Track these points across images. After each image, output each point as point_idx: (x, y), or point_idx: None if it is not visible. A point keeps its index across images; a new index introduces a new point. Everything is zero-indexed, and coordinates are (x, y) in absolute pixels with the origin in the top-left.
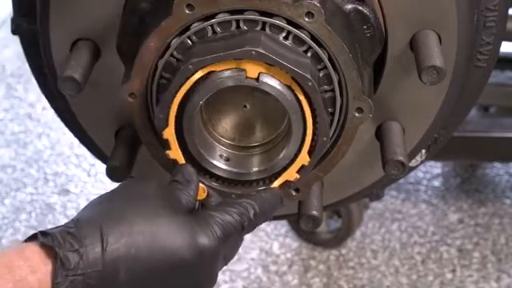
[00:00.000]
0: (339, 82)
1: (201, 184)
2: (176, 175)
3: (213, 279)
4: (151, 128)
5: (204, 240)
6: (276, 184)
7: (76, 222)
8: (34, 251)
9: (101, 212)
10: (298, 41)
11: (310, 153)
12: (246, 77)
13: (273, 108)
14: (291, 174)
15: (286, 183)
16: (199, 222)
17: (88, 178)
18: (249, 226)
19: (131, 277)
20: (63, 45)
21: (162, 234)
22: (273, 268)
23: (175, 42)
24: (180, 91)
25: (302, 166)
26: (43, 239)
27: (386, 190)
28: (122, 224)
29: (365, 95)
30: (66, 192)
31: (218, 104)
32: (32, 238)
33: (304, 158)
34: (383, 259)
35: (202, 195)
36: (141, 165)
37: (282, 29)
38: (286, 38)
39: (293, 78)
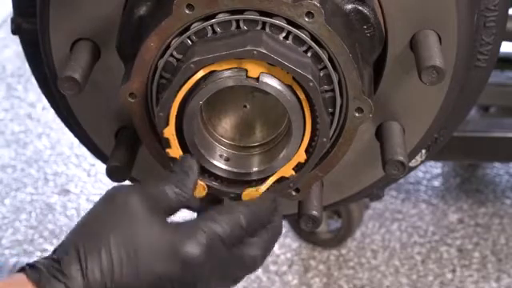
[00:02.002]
0: (339, 82)
1: (201, 182)
2: (174, 166)
3: None
4: (151, 128)
5: (187, 248)
6: (271, 180)
7: (58, 249)
8: (24, 284)
9: (79, 234)
10: (298, 41)
11: (307, 150)
12: (247, 77)
13: (273, 108)
14: (287, 171)
15: (283, 181)
16: (183, 230)
17: (88, 178)
18: (238, 238)
19: None
20: (63, 45)
21: (142, 249)
22: (273, 268)
23: (175, 42)
24: (181, 90)
25: (299, 164)
26: (31, 274)
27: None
28: (99, 246)
29: (365, 95)
30: (66, 192)
31: (218, 104)
32: (21, 270)
33: (301, 156)
34: (383, 259)
35: (202, 193)
36: (141, 165)
37: (281, 29)
38: (285, 38)
39: (294, 78)
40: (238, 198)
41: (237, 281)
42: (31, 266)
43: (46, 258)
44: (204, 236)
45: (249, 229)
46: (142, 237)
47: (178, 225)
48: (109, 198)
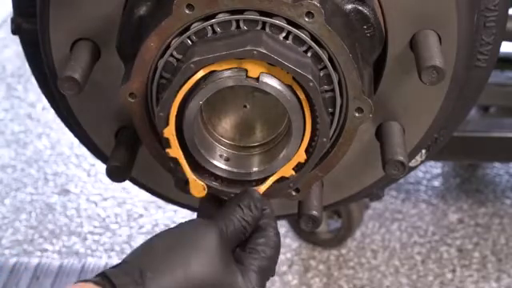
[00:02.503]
0: (339, 82)
1: (201, 182)
2: (242, 199)
3: None
4: (151, 128)
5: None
6: (271, 180)
7: (121, 265)
8: None
9: (146, 256)
10: (298, 41)
11: (307, 150)
12: (247, 77)
13: (273, 108)
14: (287, 171)
15: (283, 181)
16: (238, 269)
17: (88, 178)
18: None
19: None
20: (63, 45)
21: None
22: None
23: (175, 42)
24: (181, 91)
25: (299, 164)
26: (105, 284)
27: (386, 190)
28: (166, 274)
29: (365, 95)
30: (66, 192)
31: (218, 104)
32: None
33: (301, 155)
34: (383, 259)
35: (202, 193)
36: (141, 165)
37: (281, 29)
38: (285, 38)
39: (294, 78)
40: None
41: None
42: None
43: (116, 267)
44: (254, 273)
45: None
46: (206, 275)
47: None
48: (186, 228)
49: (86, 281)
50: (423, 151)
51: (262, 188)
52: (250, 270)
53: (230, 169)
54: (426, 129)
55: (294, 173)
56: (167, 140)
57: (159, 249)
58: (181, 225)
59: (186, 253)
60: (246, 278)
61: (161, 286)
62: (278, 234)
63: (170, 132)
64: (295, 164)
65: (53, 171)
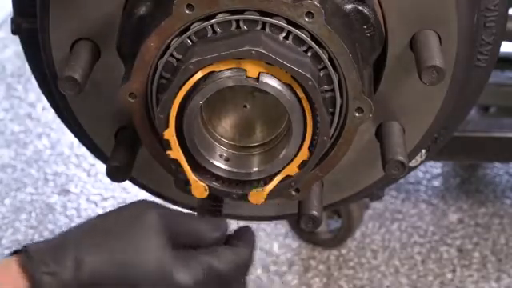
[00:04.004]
0: (339, 82)
1: (201, 183)
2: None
3: None
4: (151, 128)
5: (180, 276)
6: (277, 180)
7: (57, 239)
8: (17, 269)
9: (83, 229)
10: (298, 41)
11: (310, 148)
12: (246, 77)
13: (273, 108)
14: (292, 170)
15: (284, 180)
16: (182, 258)
17: (88, 178)
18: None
19: None
20: (63, 45)
21: (137, 265)
22: (273, 268)
23: (175, 42)
24: (180, 91)
25: (303, 161)
26: (22, 258)
27: (386, 190)
28: (100, 246)
29: (365, 95)
30: (66, 192)
31: (218, 104)
32: (17, 252)
33: (304, 154)
34: (383, 259)
35: (203, 194)
36: (141, 165)
37: (281, 29)
38: (286, 37)
39: (293, 78)
40: (244, 198)
41: None
42: (24, 249)
43: (42, 241)
44: (201, 269)
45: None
46: (141, 253)
47: (178, 252)
48: (129, 206)
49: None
50: (423, 151)
51: (268, 188)
52: (196, 261)
53: (229, 169)
54: (426, 129)
55: (298, 171)
56: (168, 142)
57: (90, 228)
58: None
59: (120, 229)
60: (185, 269)
61: (96, 260)
62: (250, 257)
63: (170, 134)
64: (300, 162)
65: (53, 171)
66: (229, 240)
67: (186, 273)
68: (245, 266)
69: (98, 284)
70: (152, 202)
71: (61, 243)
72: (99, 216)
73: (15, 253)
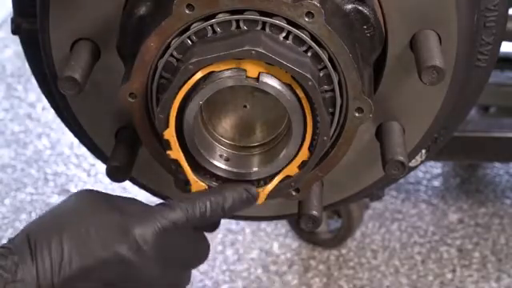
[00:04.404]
0: (339, 82)
1: (202, 183)
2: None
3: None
4: (151, 128)
5: (138, 230)
6: (277, 180)
7: (12, 239)
8: None
9: (34, 224)
10: (298, 41)
11: (310, 148)
12: (246, 77)
13: (273, 108)
14: (292, 170)
15: (285, 180)
16: (137, 215)
17: (88, 178)
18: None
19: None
20: (63, 45)
21: (91, 234)
22: (273, 268)
23: (175, 42)
24: (180, 92)
25: (303, 162)
26: None
27: (386, 190)
28: (51, 236)
29: (365, 95)
30: (66, 192)
31: (218, 104)
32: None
33: (305, 154)
34: (383, 259)
35: None
36: (141, 165)
37: (282, 29)
38: (286, 37)
39: (293, 78)
40: None
41: (191, 268)
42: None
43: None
44: (157, 222)
45: (207, 219)
46: (92, 224)
47: (131, 211)
48: (72, 196)
49: None
50: (423, 151)
51: (269, 188)
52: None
53: (230, 169)
54: (426, 129)
55: (298, 170)
56: (168, 142)
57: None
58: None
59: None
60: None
61: (52, 250)
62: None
63: (170, 134)
64: (300, 163)
65: (53, 171)
66: None
67: (144, 227)
68: (208, 213)
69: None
70: (92, 190)
71: (14, 244)
72: (47, 211)
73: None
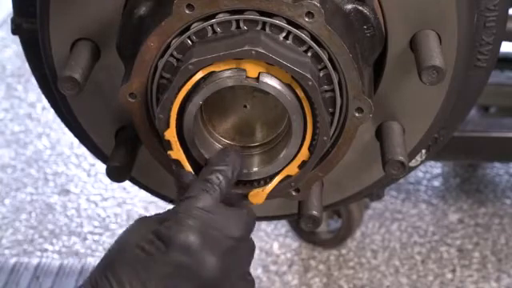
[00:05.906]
0: (339, 82)
1: None
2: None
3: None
4: (151, 128)
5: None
6: (277, 180)
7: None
8: None
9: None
10: (298, 41)
11: (310, 148)
12: (246, 77)
13: (273, 108)
14: (292, 170)
15: (287, 181)
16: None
17: (88, 178)
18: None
19: None
20: (63, 45)
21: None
22: (273, 268)
23: (175, 42)
24: (181, 92)
25: (303, 162)
26: None
27: (386, 190)
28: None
29: (365, 95)
30: (66, 192)
31: (218, 104)
32: None
33: (304, 154)
34: (383, 259)
35: None
36: (141, 165)
37: (282, 29)
38: (286, 37)
39: (293, 78)
40: (244, 197)
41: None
42: None
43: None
44: (196, 222)
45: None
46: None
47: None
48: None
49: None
50: (423, 151)
51: (269, 188)
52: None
53: None
54: (426, 129)
55: (298, 170)
56: (168, 142)
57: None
58: None
59: None
60: None
61: None
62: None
63: (170, 134)
64: (300, 162)
65: (53, 171)
66: None
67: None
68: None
69: None
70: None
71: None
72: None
73: None
